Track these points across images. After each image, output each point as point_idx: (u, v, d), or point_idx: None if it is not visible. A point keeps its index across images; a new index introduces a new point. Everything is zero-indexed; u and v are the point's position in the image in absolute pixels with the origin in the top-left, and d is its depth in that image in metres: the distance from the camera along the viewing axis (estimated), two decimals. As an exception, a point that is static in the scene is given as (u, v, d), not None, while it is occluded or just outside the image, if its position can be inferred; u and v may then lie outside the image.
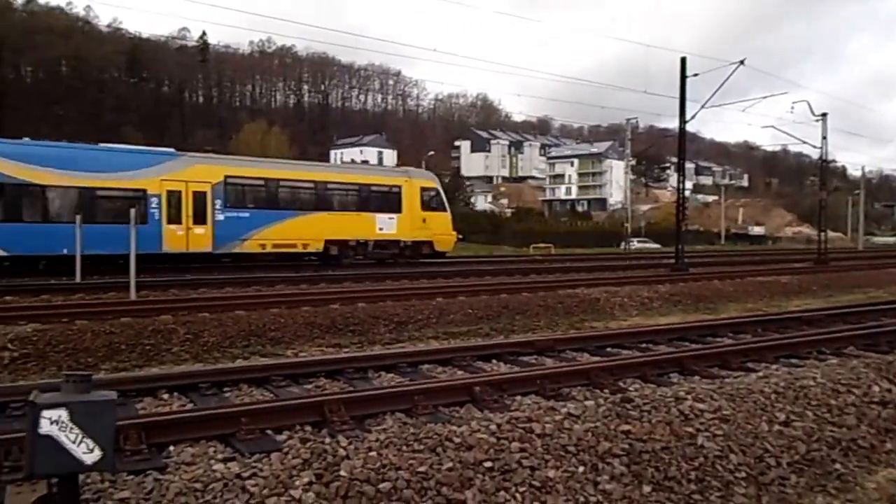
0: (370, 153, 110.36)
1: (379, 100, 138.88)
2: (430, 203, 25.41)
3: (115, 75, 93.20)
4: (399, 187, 25.04)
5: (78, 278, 15.31)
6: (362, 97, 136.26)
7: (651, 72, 60.67)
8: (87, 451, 2.99)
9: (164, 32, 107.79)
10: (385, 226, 24.35)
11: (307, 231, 22.67)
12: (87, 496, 3.61)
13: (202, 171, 21.12)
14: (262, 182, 22.37)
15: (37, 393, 3.05)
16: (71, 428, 2.96)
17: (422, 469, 4.09)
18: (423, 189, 25.50)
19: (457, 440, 4.48)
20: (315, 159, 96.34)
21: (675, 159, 38.81)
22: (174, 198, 20.26)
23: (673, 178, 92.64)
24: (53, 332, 8.78)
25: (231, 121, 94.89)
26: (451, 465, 4.17)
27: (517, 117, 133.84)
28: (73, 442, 2.97)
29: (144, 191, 19.70)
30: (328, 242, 23.08)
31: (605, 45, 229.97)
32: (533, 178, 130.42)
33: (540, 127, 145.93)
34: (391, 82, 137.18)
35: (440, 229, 25.35)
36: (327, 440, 4.59)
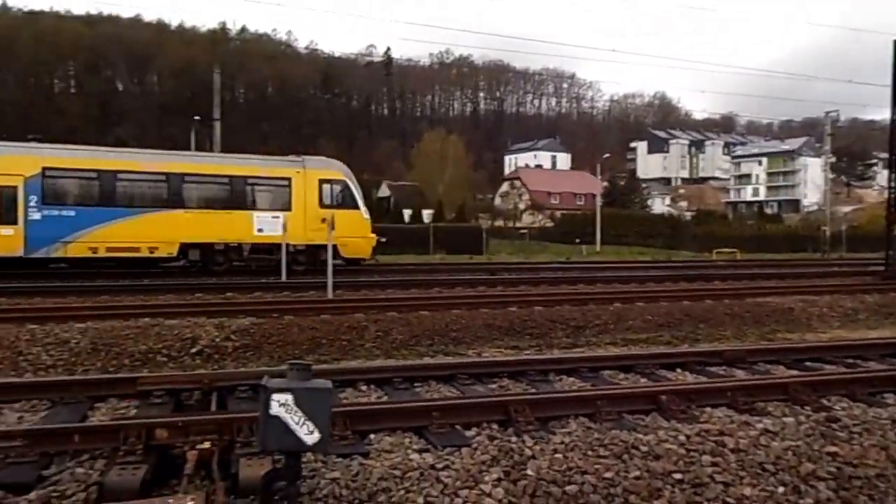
0: (544, 157, 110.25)
1: (553, 103, 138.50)
2: (333, 199, 20.71)
3: (311, 92, 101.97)
4: (287, 179, 20.56)
5: (283, 277, 16.99)
6: (536, 102, 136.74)
7: (855, 59, 54.33)
8: (308, 433, 3.38)
9: (353, 50, 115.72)
10: (266, 226, 19.86)
11: (155, 232, 18.92)
12: (304, 473, 4.06)
13: (11, 163, 18.11)
14: (93, 174, 18.88)
15: (267, 378, 3.50)
16: (295, 411, 3.36)
17: (608, 475, 4.09)
18: (324, 181, 20.80)
19: (643, 448, 4.41)
20: (490, 165, 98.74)
21: (883, 155, 34.42)
22: None
23: (880, 176, 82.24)
24: (267, 325, 9.81)
25: (412, 131, 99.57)
26: (638, 473, 4.12)
27: (698, 115, 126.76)
28: (297, 423, 3.37)
29: None
30: (185, 246, 19.28)
31: (801, 31, 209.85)
32: (715, 178, 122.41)
33: (723, 124, 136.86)
34: (565, 85, 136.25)
35: (348, 231, 19.72)
36: (513, 439, 4.73)
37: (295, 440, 3.35)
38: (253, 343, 9.23)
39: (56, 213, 18.19)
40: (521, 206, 69.98)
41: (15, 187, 17.89)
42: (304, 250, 20.26)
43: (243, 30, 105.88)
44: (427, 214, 55.06)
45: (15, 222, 17.75)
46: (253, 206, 20.19)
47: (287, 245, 18.81)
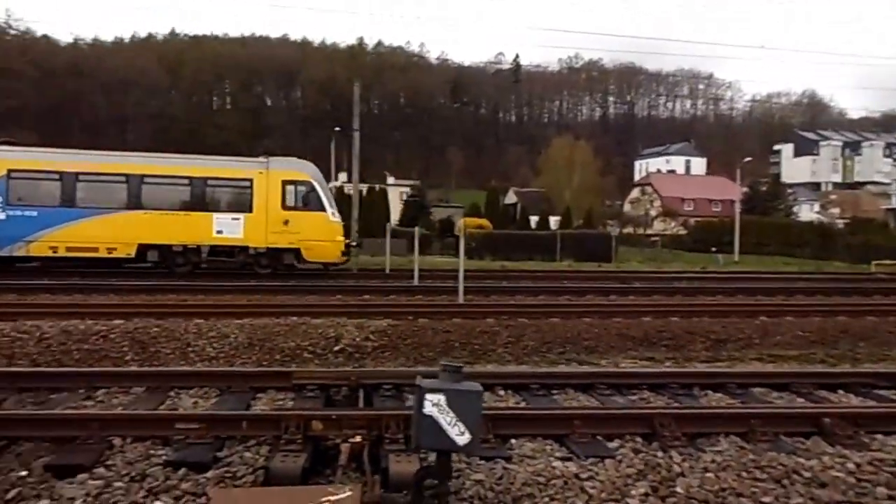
0: (677, 162, 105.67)
1: (688, 105, 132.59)
2: (297, 200, 20.01)
3: (441, 102, 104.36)
4: (249, 181, 19.96)
5: (415, 281, 17.48)
6: (669, 104, 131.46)
7: None
8: (459, 434, 3.47)
9: (482, 59, 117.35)
10: (226, 228, 19.60)
11: (113, 233, 19.07)
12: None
13: None
14: (55, 176, 19.27)
15: (420, 378, 3.63)
16: (447, 411, 3.46)
17: (766, 500, 3.88)
18: (287, 182, 20.05)
19: (806, 474, 4.14)
20: (619, 171, 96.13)
21: None
22: None
23: None
24: (402, 327, 10.13)
25: (540, 137, 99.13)
26: (801, 501, 3.87)
27: (854, 114, 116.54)
28: (449, 424, 3.46)
29: None
30: (143, 247, 19.26)
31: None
32: (874, 183, 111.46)
33: (884, 123, 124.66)
34: (701, 86, 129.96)
35: (312, 234, 19.66)
36: (660, 454, 4.60)
37: (447, 440, 3.45)
38: (390, 343, 9.55)
39: (19, 213, 18.83)
40: (653, 212, 67.55)
41: None
42: (264, 253, 19.82)
43: (379, 44, 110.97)
44: (554, 221, 54.51)
45: None
46: (213, 208, 19.84)
47: (247, 247, 19.48)
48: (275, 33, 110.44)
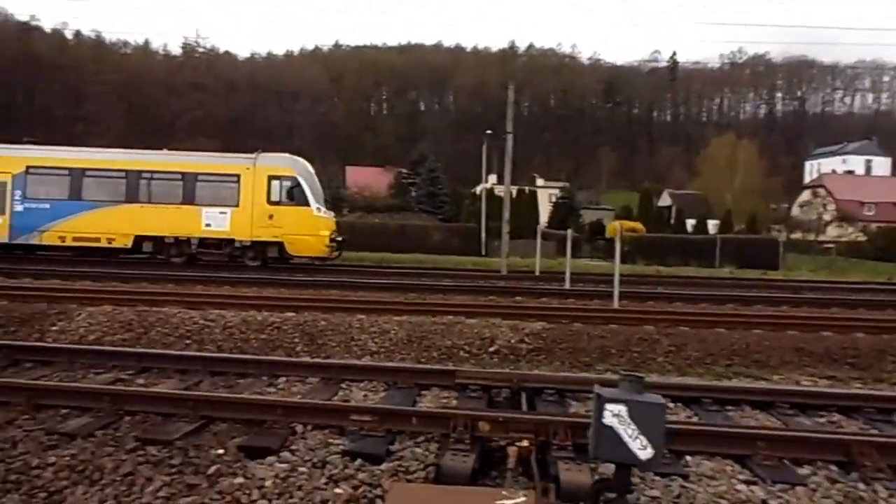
0: (856, 162, 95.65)
1: (869, 100, 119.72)
2: (281, 195, 20.66)
3: (592, 102, 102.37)
4: (236, 176, 20.80)
5: (567, 284, 17.20)
6: (847, 99, 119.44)
7: None
8: (641, 448, 3.31)
9: (636, 58, 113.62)
10: (214, 221, 20.59)
11: (112, 224, 20.65)
12: (623, 486, 3.99)
13: (4, 162, 21.25)
14: (65, 172, 21.14)
15: (599, 387, 3.51)
16: (629, 423, 3.31)
17: None
18: (273, 178, 20.74)
19: None
20: (788, 172, 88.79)
21: None
22: None
23: None
24: (556, 330, 9.96)
25: (697, 136, 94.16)
26: None
27: None
28: (630, 436, 3.31)
29: None
30: (139, 238, 20.68)
31: None
32: None
33: None
34: (886, 78, 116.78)
35: (296, 228, 20.37)
36: (861, 486, 4.13)
37: (627, 452, 3.30)
38: (545, 347, 9.43)
39: (35, 205, 20.91)
40: (826, 217, 61.68)
41: (5, 183, 21.08)
42: (250, 246, 20.61)
43: (530, 47, 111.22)
44: (712, 225, 51.49)
45: (3, 212, 21.01)
46: (202, 202, 20.77)
47: (233, 240, 20.45)
48: (429, 41, 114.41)
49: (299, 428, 4.79)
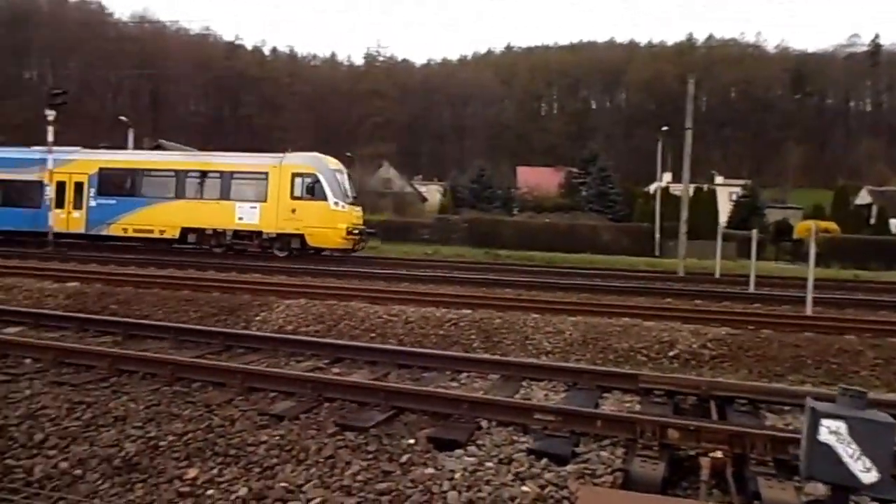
0: None
1: None
2: (303, 191, 22.34)
3: (778, 94, 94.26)
4: (265, 174, 22.75)
5: (751, 288, 16.02)
6: None
7: None
8: (863, 470, 3.00)
9: (831, 44, 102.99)
10: (246, 215, 22.71)
11: (164, 218, 23.33)
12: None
13: (83, 164, 24.59)
14: (128, 172, 24.30)
15: (812, 400, 3.23)
16: (849, 442, 3.02)
17: None
18: (296, 175, 22.44)
19: None
20: None
21: None
22: (60, 187, 24.45)
23: None
24: (742, 337, 9.31)
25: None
26: None
27: None
28: (850, 457, 3.02)
29: (41, 182, 24.47)
30: (185, 230, 23.16)
31: None
32: None
33: None
34: None
35: (314, 221, 22.03)
36: None
37: (847, 474, 3.01)
38: (729, 353, 8.86)
39: (104, 201, 24.14)
40: None
41: (83, 182, 24.44)
42: (276, 237, 22.54)
43: (710, 38, 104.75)
44: (925, 226, 45.27)
45: (82, 207, 24.43)
46: (236, 197, 22.94)
47: (261, 232, 22.57)
48: (602, 38, 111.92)
49: (484, 423, 4.90)
